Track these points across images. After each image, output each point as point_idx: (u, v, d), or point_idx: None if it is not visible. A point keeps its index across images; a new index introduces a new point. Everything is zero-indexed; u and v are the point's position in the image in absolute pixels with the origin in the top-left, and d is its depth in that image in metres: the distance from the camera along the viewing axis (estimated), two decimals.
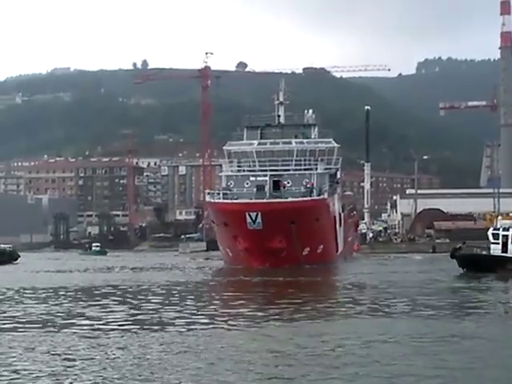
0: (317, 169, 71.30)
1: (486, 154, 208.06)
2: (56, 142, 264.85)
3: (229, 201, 66.92)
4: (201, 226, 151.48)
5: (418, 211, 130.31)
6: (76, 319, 29.15)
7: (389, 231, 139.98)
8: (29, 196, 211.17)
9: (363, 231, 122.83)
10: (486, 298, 37.38)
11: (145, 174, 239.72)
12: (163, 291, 43.11)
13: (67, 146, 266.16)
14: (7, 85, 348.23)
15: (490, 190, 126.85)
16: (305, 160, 71.36)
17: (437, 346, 21.76)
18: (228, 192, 69.09)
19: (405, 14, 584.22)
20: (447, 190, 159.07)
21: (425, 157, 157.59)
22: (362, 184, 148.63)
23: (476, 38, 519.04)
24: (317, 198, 67.23)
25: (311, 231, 64.04)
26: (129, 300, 37.45)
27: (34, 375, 18.30)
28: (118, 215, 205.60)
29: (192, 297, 40.32)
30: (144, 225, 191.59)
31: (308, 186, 68.84)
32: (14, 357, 20.63)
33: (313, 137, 76.18)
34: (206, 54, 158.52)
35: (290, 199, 65.75)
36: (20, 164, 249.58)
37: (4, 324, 28.08)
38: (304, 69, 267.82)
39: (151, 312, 31.52)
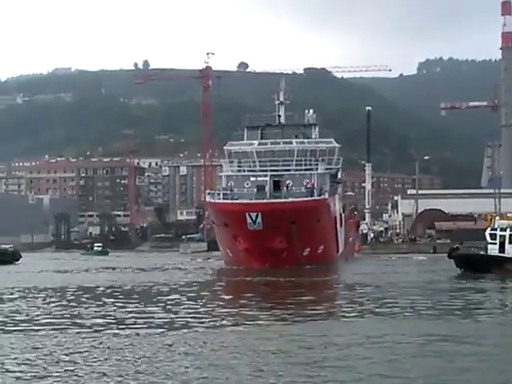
0: (317, 169, 71.01)
1: (486, 155, 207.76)
2: (57, 142, 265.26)
3: (229, 201, 66.67)
4: (202, 226, 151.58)
5: (419, 211, 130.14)
6: (82, 320, 29.19)
7: (390, 232, 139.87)
8: (30, 196, 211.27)
9: (364, 232, 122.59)
10: (484, 299, 37.32)
11: (146, 174, 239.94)
12: (163, 291, 43.09)
13: (68, 146, 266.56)
14: (8, 85, 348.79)
15: (491, 191, 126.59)
16: (305, 160, 71.02)
17: (440, 347, 21.73)
18: (228, 192, 68.75)
19: (405, 13, 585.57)
20: (448, 191, 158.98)
21: (426, 157, 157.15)
22: (363, 184, 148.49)
23: (476, 38, 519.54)
24: (317, 198, 66.99)
25: (312, 231, 63.85)
26: (129, 300, 37.44)
27: (34, 375, 18.29)
28: (119, 215, 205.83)
29: (192, 296, 40.28)
30: (145, 225, 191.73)
31: (308, 186, 68.48)
32: (14, 358, 20.63)
33: (313, 137, 75.84)
34: (207, 54, 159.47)
35: (290, 199, 65.46)
36: (21, 164, 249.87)
37: (8, 325, 28.15)
38: (305, 69, 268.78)
39: (151, 312, 31.52)
